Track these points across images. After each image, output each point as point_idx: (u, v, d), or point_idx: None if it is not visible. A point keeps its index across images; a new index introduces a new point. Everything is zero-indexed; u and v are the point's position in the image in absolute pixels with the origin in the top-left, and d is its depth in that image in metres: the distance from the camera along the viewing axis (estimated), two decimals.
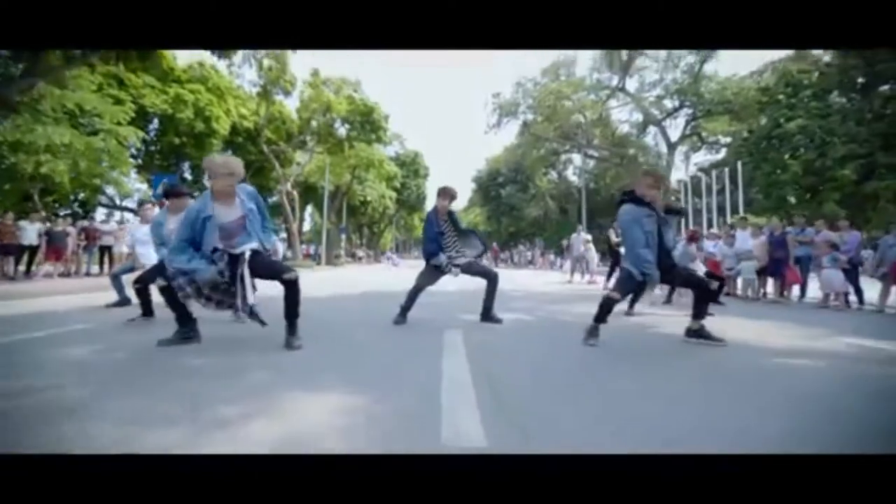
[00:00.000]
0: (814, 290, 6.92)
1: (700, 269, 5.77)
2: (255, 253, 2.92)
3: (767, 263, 6.81)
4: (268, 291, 3.05)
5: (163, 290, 3.03)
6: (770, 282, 7.24)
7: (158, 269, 3.47)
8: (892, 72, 19.72)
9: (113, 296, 5.03)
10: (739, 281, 7.48)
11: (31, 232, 8.96)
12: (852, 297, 6.06)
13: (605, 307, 3.19)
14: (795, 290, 7.01)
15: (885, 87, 20.67)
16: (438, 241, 4.04)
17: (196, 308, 3.01)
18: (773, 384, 2.30)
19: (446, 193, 4.12)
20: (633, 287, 3.20)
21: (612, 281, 8.83)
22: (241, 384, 2.13)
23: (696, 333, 3.23)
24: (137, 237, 4.95)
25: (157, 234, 3.93)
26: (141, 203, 5.17)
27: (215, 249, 2.83)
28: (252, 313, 2.87)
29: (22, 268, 9.05)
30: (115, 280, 5.06)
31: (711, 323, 3.42)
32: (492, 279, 4.09)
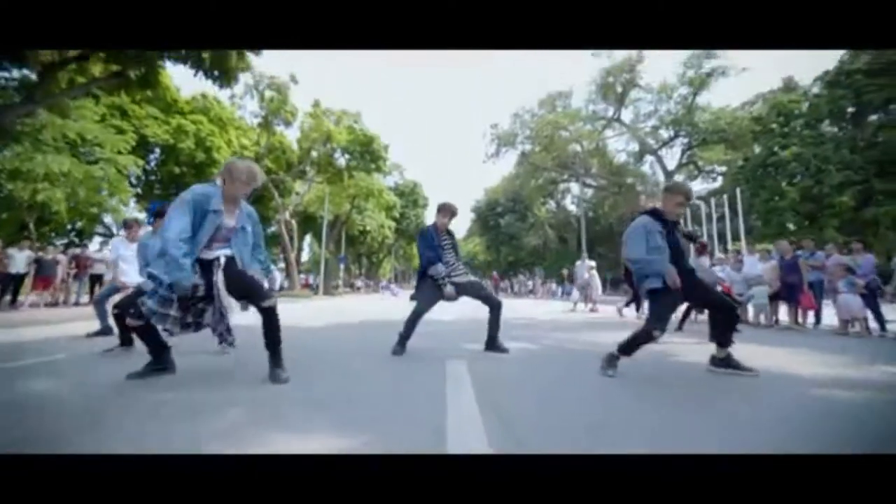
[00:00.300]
0: (828, 316, 6.66)
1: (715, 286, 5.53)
2: (230, 260, 2.60)
3: (780, 288, 6.57)
4: (240, 321, 2.78)
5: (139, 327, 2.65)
6: (782, 308, 6.99)
7: (140, 296, 3.23)
8: (880, 101, 20.16)
9: (96, 324, 4.75)
10: (750, 307, 7.21)
11: (19, 260, 8.72)
12: (873, 324, 5.78)
13: (639, 341, 2.78)
14: (810, 316, 6.75)
15: (875, 117, 21.09)
16: (438, 252, 3.75)
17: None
18: (807, 419, 2.03)
19: (447, 210, 3.87)
20: (669, 305, 2.80)
21: (631, 308, 8.58)
22: (219, 422, 1.86)
23: (724, 363, 2.90)
24: (122, 254, 4.68)
25: (143, 255, 3.72)
26: (127, 223, 4.91)
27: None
28: (227, 331, 2.57)
29: (8, 297, 8.76)
30: (99, 306, 4.78)
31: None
32: (495, 306, 3.79)
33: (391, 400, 2.25)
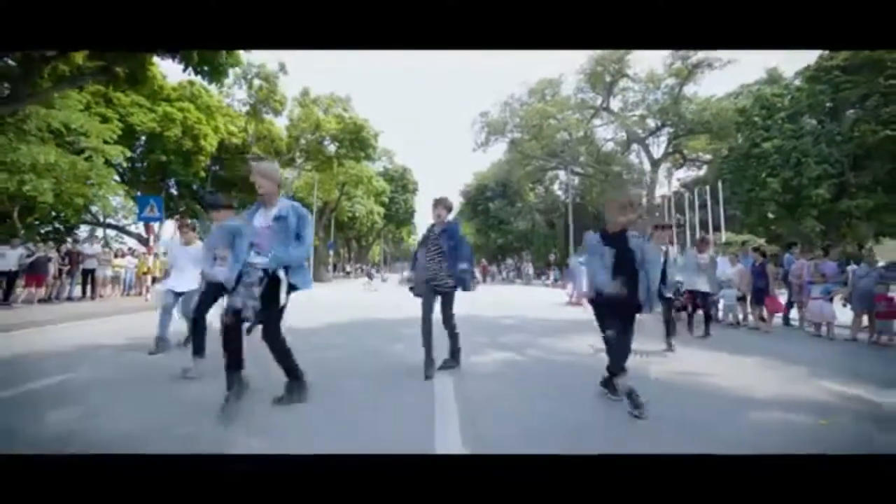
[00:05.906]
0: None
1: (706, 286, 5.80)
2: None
3: (750, 292, 7.06)
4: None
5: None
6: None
7: None
8: (856, 97, 20.72)
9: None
10: (720, 306, 7.68)
11: (11, 258, 8.70)
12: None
13: (608, 351, 2.89)
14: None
15: (852, 111, 21.65)
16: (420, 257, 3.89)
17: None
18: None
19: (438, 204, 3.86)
20: (600, 315, 2.95)
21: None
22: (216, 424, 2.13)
23: (605, 384, 3.02)
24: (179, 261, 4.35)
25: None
26: (181, 226, 4.57)
27: None
28: None
29: None
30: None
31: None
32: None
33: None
